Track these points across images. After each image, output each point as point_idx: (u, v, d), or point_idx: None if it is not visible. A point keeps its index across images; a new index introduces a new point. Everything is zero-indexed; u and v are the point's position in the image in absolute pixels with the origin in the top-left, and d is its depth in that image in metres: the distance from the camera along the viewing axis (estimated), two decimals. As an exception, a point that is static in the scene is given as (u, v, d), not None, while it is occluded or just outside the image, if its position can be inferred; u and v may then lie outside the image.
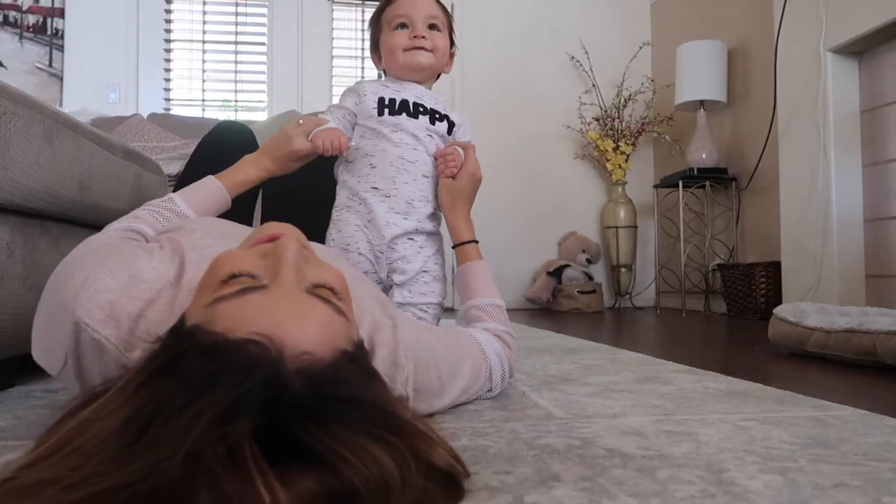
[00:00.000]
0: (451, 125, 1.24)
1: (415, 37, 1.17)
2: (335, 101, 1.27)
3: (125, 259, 0.74)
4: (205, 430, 0.38)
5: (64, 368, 0.71)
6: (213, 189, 1.06)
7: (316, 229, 1.24)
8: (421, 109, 1.20)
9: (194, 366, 0.43)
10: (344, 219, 1.19)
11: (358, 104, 1.20)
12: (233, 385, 0.40)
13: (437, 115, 1.22)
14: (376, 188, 1.16)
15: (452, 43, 1.25)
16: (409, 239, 1.18)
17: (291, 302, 0.49)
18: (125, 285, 0.71)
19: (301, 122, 1.14)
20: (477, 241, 1.19)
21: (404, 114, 1.18)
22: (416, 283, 1.18)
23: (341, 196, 1.21)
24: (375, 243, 1.16)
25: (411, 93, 1.20)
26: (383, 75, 1.27)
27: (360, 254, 1.16)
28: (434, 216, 1.22)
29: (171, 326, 0.54)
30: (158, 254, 0.77)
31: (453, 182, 1.18)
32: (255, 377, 0.41)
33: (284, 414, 0.41)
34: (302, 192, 1.40)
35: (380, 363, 0.54)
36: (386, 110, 1.18)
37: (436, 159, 1.20)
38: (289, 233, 0.59)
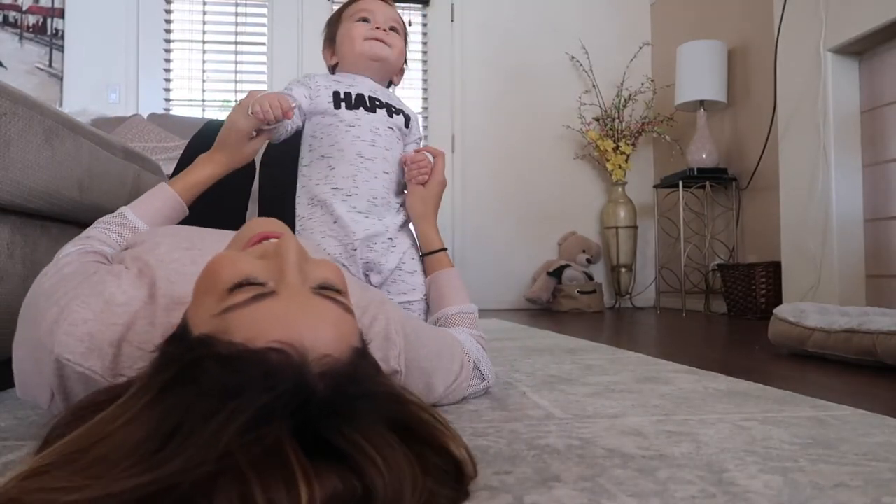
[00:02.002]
0: (407, 119, 1.23)
1: (376, 28, 1.18)
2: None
3: (95, 286, 0.72)
4: (237, 434, 0.38)
5: (53, 403, 0.70)
6: (166, 197, 1.00)
7: None
8: (377, 103, 1.18)
9: (215, 375, 0.43)
10: (308, 228, 1.15)
11: (310, 98, 1.15)
12: (261, 392, 0.41)
13: (393, 109, 1.20)
14: (336, 188, 1.13)
15: (405, 60, 1.26)
16: (380, 238, 1.15)
17: (304, 306, 0.50)
18: (101, 312, 0.69)
19: (250, 111, 1.01)
20: (446, 249, 1.19)
21: (362, 108, 1.16)
22: (393, 282, 1.16)
23: (301, 203, 1.17)
24: (346, 242, 1.12)
25: (365, 87, 1.18)
26: (332, 73, 1.25)
27: (328, 255, 1.11)
28: (400, 212, 1.20)
29: (172, 335, 0.53)
30: (126, 276, 0.75)
31: (424, 190, 1.18)
32: (283, 383, 0.42)
33: (313, 416, 0.42)
34: (297, 179, 1.38)
35: (373, 339, 0.55)
36: (343, 104, 1.15)
37: (404, 164, 1.18)
38: (286, 232, 0.59)
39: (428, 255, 1.17)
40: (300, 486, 0.37)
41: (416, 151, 1.20)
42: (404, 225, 1.21)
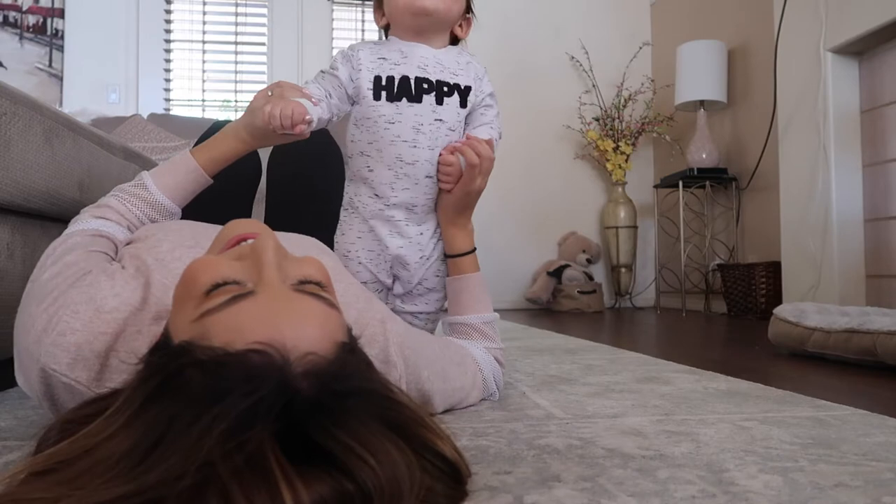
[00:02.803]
0: (465, 93, 1.07)
1: None
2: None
3: (86, 290, 0.71)
4: (218, 442, 0.37)
5: (41, 405, 0.70)
6: (189, 169, 0.96)
7: (320, 219, 1.19)
8: (425, 87, 1.03)
9: (196, 382, 0.42)
10: (348, 222, 1.11)
11: (352, 79, 1.05)
12: (242, 396, 0.40)
13: (446, 89, 1.05)
14: (376, 195, 1.06)
15: (469, 9, 1.09)
16: (413, 256, 1.09)
17: (283, 304, 0.49)
18: (89, 322, 0.68)
19: (270, 92, 0.99)
20: (474, 250, 1.11)
21: (405, 99, 1.03)
22: (409, 294, 1.12)
23: (347, 193, 1.12)
24: (379, 250, 1.08)
25: (413, 63, 1.04)
26: (384, 36, 1.12)
27: (359, 262, 1.08)
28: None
29: (155, 344, 0.53)
30: (121, 276, 0.74)
31: (448, 196, 1.06)
32: (265, 385, 0.41)
33: (299, 417, 0.41)
34: (305, 179, 1.33)
35: (372, 362, 0.54)
36: (383, 93, 1.03)
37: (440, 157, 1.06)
38: (263, 231, 0.58)
39: (451, 258, 1.10)
40: (283, 493, 0.37)
41: (455, 148, 1.04)
42: (440, 242, 1.12)
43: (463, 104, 1.07)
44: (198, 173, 0.98)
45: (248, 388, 0.40)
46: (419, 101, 1.03)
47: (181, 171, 0.97)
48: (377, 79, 1.03)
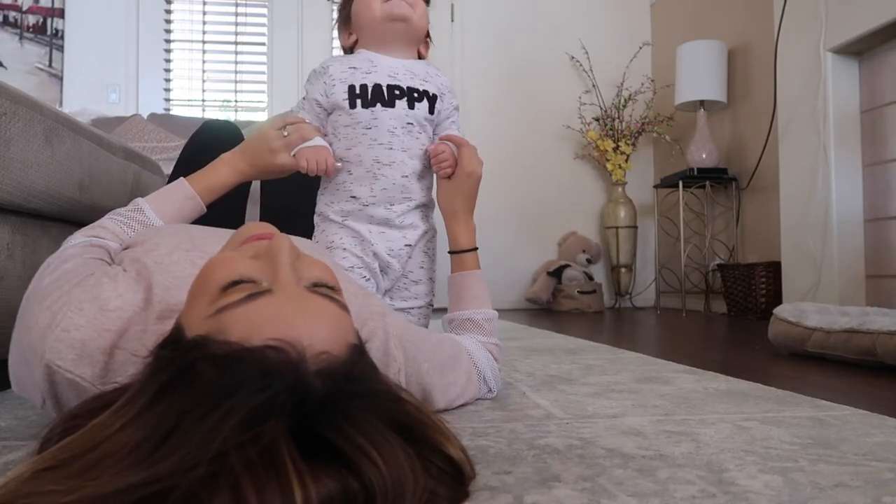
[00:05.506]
0: (433, 100, 1.14)
1: None
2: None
3: (90, 290, 0.71)
4: (232, 433, 0.38)
5: (45, 406, 0.70)
6: (185, 196, 1.00)
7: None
8: (396, 93, 1.09)
9: (210, 376, 0.42)
10: (322, 226, 1.14)
11: (327, 95, 1.10)
12: (258, 390, 0.40)
13: (416, 95, 1.11)
14: (355, 197, 1.10)
15: (427, 34, 1.18)
16: (397, 245, 1.13)
17: (299, 304, 0.49)
18: (94, 319, 0.69)
19: (285, 132, 1.05)
20: (476, 249, 1.13)
21: (379, 104, 1.08)
22: (397, 289, 1.15)
23: (321, 202, 1.16)
24: (361, 238, 1.11)
25: (384, 72, 1.10)
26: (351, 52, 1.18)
27: (344, 249, 1.10)
28: (420, 213, 1.15)
29: (166, 338, 0.53)
30: (123, 278, 0.74)
31: (450, 183, 1.12)
32: (281, 381, 0.41)
33: (310, 414, 0.41)
34: (301, 206, 1.34)
35: (372, 354, 0.55)
36: (358, 101, 1.08)
37: (429, 156, 1.12)
38: (277, 232, 0.59)
39: (453, 254, 1.12)
40: (294, 489, 0.37)
41: (440, 140, 1.12)
42: (424, 229, 1.15)
43: (431, 111, 1.13)
44: (195, 201, 1.01)
45: (263, 382, 0.41)
46: (392, 105, 1.09)
47: (178, 198, 0.99)
48: (351, 88, 1.09)
